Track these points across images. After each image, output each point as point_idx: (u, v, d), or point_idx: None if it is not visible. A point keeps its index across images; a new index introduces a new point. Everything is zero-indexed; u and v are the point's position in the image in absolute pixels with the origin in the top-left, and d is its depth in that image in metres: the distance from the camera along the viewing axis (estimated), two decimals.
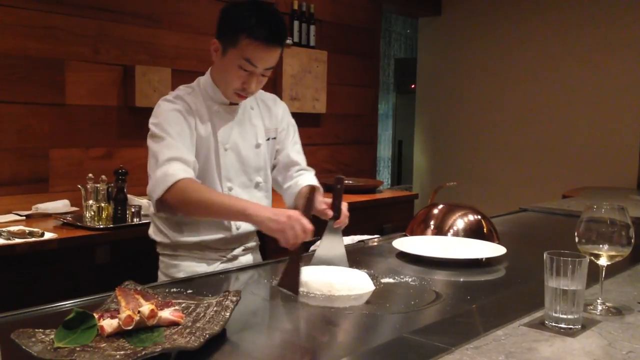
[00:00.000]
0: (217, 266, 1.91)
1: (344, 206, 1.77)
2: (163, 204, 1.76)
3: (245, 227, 1.94)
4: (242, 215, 1.66)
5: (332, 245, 1.73)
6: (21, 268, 2.36)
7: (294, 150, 2.09)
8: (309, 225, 1.56)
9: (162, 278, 1.94)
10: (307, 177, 2.05)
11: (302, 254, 1.61)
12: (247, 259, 2.00)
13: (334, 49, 4.52)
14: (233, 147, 1.92)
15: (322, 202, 1.79)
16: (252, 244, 2.03)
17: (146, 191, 1.81)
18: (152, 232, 1.97)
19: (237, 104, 1.94)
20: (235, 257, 1.97)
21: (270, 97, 2.09)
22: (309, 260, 1.71)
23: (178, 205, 1.75)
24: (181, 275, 1.87)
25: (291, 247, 1.56)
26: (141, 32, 3.30)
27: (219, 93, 1.90)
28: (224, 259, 1.94)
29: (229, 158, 1.91)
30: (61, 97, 3.02)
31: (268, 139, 2.02)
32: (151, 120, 1.85)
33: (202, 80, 1.94)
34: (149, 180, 1.79)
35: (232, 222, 1.91)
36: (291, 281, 1.50)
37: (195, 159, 1.83)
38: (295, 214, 1.58)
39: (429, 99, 5.89)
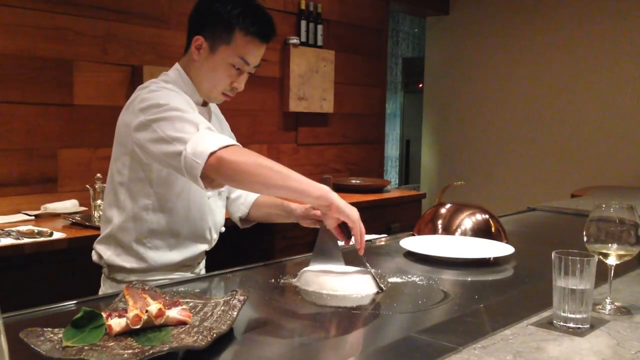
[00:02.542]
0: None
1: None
2: (208, 167, 1.45)
3: (214, 237, 1.88)
4: (319, 193, 1.47)
5: (327, 246, 1.65)
6: (30, 268, 2.37)
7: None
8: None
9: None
10: None
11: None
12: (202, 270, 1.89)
13: (342, 48, 4.52)
14: None
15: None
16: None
17: (182, 160, 1.48)
18: (112, 256, 1.75)
19: (206, 105, 1.84)
20: (200, 270, 1.88)
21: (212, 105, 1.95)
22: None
23: (228, 171, 1.45)
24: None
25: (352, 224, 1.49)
26: (149, 32, 3.31)
27: (195, 94, 1.78)
28: (194, 274, 1.83)
29: None
30: (69, 97, 3.04)
31: None
32: (151, 102, 1.60)
33: (173, 76, 1.77)
34: (186, 144, 1.48)
35: (213, 236, 1.84)
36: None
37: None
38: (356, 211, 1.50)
39: (436, 98, 5.87)
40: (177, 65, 1.82)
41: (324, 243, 1.65)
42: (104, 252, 1.79)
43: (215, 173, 1.46)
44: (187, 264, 1.81)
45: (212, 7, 1.73)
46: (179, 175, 1.58)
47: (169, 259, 1.75)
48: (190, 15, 1.80)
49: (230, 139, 1.52)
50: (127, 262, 1.74)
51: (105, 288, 1.82)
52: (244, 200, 2.00)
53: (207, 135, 1.49)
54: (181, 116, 1.54)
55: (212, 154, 1.45)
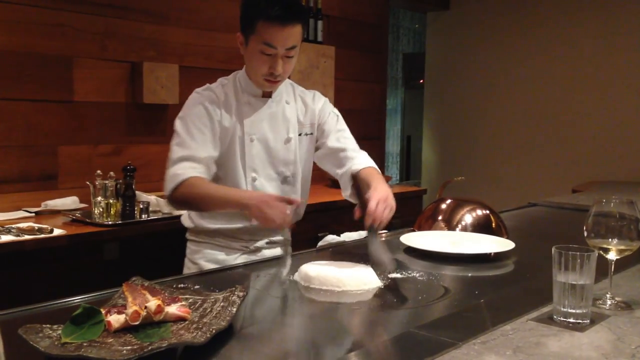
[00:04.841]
0: (238, 257, 1.96)
1: (373, 202, 1.66)
2: (173, 201, 1.86)
3: None
4: (239, 205, 1.75)
5: (374, 248, 1.61)
6: (30, 264, 2.37)
7: (339, 136, 2.06)
8: (282, 207, 1.67)
9: (187, 264, 2.03)
10: (360, 160, 1.98)
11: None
12: (273, 252, 2.00)
13: (342, 44, 4.51)
14: (261, 138, 1.95)
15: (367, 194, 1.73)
16: (278, 237, 2.02)
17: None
18: (183, 218, 2.07)
19: (270, 97, 1.98)
20: (258, 249, 2.00)
21: (310, 94, 2.13)
22: (319, 255, 1.70)
23: (185, 202, 1.87)
24: (203, 262, 1.97)
25: (277, 227, 1.73)
26: (148, 28, 3.30)
27: (251, 85, 1.96)
28: (247, 249, 1.98)
29: (255, 149, 1.94)
30: (69, 94, 3.03)
31: (301, 134, 2.03)
32: (179, 114, 1.94)
33: (239, 74, 2.01)
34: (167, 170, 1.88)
35: None
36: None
37: (218, 150, 1.90)
38: (268, 198, 1.70)
39: (437, 94, 5.86)
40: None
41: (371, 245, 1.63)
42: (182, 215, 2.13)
43: (178, 205, 1.95)
44: (227, 234, 1.98)
45: (242, 5, 1.93)
46: (231, 159, 1.93)
47: (206, 226, 1.98)
48: None
49: (190, 172, 1.80)
50: (186, 222, 2.04)
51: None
52: (344, 178, 1.99)
53: (168, 179, 1.83)
54: (175, 148, 1.87)
55: (169, 196, 1.85)
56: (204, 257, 1.98)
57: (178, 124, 1.91)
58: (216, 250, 1.98)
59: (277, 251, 2.00)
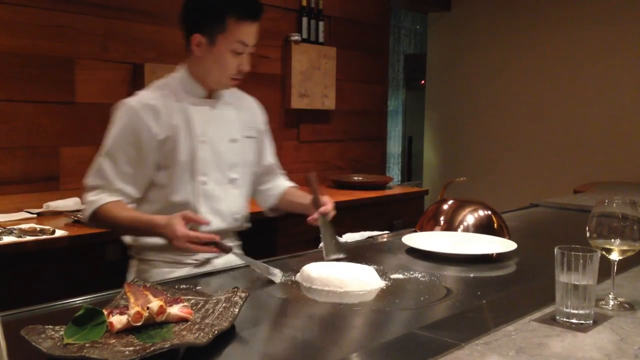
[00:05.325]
0: (190, 271, 1.82)
1: (324, 198, 1.90)
2: (93, 225, 1.92)
3: (217, 224, 1.89)
4: (152, 231, 1.74)
5: (327, 236, 1.81)
6: (32, 265, 2.37)
7: (271, 153, 2.17)
8: (181, 231, 1.64)
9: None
10: (284, 179, 2.19)
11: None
12: (223, 262, 1.88)
13: (343, 45, 4.51)
14: (209, 140, 1.90)
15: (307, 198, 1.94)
16: (227, 244, 1.94)
17: None
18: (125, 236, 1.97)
19: (212, 98, 1.94)
20: (207, 261, 1.90)
21: (247, 96, 2.10)
22: (320, 256, 1.70)
23: (103, 227, 1.93)
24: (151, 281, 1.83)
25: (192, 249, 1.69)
26: (150, 29, 3.31)
27: (196, 86, 1.90)
28: (197, 262, 1.88)
29: (204, 152, 1.88)
30: (71, 95, 3.04)
31: (246, 137, 2.01)
32: (112, 121, 1.87)
33: (176, 75, 1.93)
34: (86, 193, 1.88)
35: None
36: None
37: (146, 172, 1.85)
38: (173, 221, 1.66)
39: (438, 95, 5.86)
40: (180, 67, 1.95)
41: (323, 237, 1.81)
42: None
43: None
44: (177, 249, 1.80)
45: (200, 4, 1.85)
46: (182, 164, 1.85)
47: (155, 240, 1.84)
48: (181, 17, 1.91)
49: (106, 198, 1.80)
50: (128, 239, 1.95)
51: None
52: (273, 192, 2.14)
53: (85, 204, 1.86)
54: (98, 169, 1.84)
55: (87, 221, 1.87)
56: (152, 277, 1.81)
57: (105, 142, 1.84)
58: (165, 267, 1.87)
59: (229, 258, 1.86)
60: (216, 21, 1.80)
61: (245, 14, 1.80)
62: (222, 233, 1.90)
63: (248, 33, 1.82)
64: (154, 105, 1.83)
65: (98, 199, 1.81)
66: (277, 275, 1.56)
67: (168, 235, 1.68)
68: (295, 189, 2.16)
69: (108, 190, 1.82)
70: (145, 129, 1.81)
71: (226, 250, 1.69)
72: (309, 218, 1.88)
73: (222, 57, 1.83)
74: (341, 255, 1.74)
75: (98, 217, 1.82)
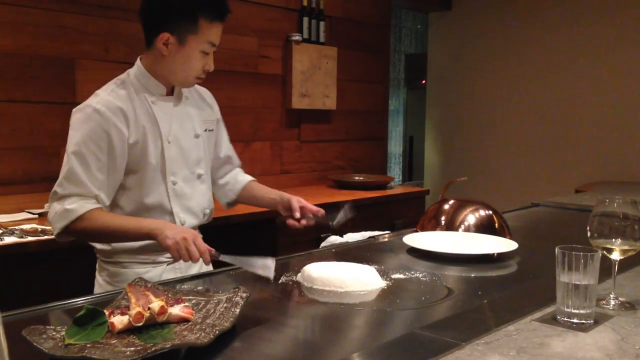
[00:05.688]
0: (165, 269, 1.86)
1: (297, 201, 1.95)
2: (66, 237, 1.76)
3: (190, 222, 1.90)
4: (146, 235, 1.68)
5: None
6: (34, 266, 2.37)
7: (228, 146, 2.14)
8: (203, 246, 1.62)
9: (104, 286, 1.89)
10: (243, 173, 2.17)
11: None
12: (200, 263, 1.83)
13: (344, 45, 4.51)
14: (174, 139, 1.87)
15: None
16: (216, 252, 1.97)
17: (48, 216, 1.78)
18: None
19: (172, 95, 1.91)
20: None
21: (203, 89, 2.07)
22: (321, 256, 1.70)
23: (83, 236, 1.77)
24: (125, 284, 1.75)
25: (187, 261, 1.64)
26: None
27: (156, 84, 1.86)
28: (172, 260, 1.84)
29: (172, 151, 1.86)
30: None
31: (206, 130, 2.00)
32: (69, 132, 1.76)
33: (133, 72, 1.88)
34: (49, 202, 1.77)
35: (176, 217, 1.87)
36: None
37: (118, 176, 1.78)
38: (192, 234, 1.63)
39: (439, 95, 5.86)
40: (138, 62, 1.89)
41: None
42: None
43: (70, 238, 1.78)
44: (152, 249, 1.83)
45: (170, 3, 1.80)
46: (151, 166, 1.81)
47: (129, 246, 1.82)
48: (144, 13, 1.84)
49: (87, 206, 1.70)
50: (97, 244, 1.89)
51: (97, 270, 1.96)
52: (232, 187, 2.13)
53: (57, 215, 1.73)
54: (69, 176, 1.73)
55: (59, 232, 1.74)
56: (128, 280, 1.68)
57: (71, 152, 1.73)
58: (140, 268, 1.84)
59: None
60: (188, 21, 1.78)
61: (217, 15, 1.80)
62: (194, 230, 1.91)
63: (217, 34, 1.82)
64: (122, 108, 1.78)
65: (78, 206, 1.70)
66: (270, 267, 1.56)
67: (182, 248, 1.62)
68: (256, 183, 2.15)
69: (86, 197, 1.72)
70: (117, 134, 1.75)
71: (216, 257, 1.65)
72: (290, 222, 1.93)
73: (190, 57, 1.81)
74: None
75: (78, 226, 1.70)
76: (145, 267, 1.86)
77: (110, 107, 1.76)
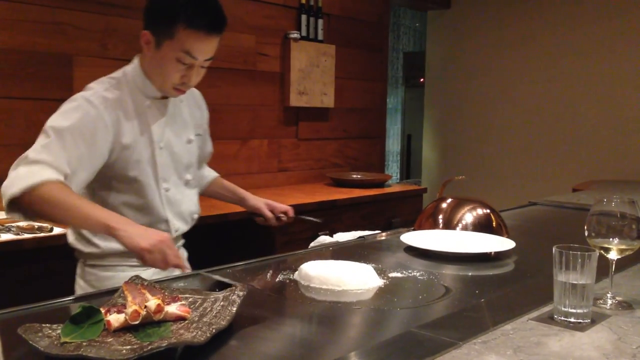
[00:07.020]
0: (155, 271, 1.74)
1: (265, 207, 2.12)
2: (17, 204, 1.55)
3: (182, 229, 1.90)
4: (104, 226, 1.49)
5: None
6: (30, 263, 2.37)
7: (210, 147, 2.14)
8: (176, 249, 1.53)
9: (85, 289, 1.79)
10: (209, 169, 2.21)
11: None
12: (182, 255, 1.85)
13: (342, 42, 4.51)
14: (167, 145, 1.81)
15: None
16: (179, 244, 1.96)
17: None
18: (73, 240, 1.82)
19: (167, 98, 1.82)
20: None
21: (197, 92, 2.00)
22: (319, 255, 1.70)
23: (34, 206, 1.53)
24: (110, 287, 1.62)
25: (160, 268, 1.52)
26: None
27: (150, 86, 1.76)
28: None
29: (163, 157, 1.81)
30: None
31: (197, 135, 1.96)
32: (55, 114, 1.66)
33: (129, 71, 1.79)
34: (13, 167, 1.61)
35: (171, 224, 1.84)
36: None
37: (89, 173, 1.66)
38: (167, 237, 1.51)
39: (438, 93, 5.86)
40: (135, 61, 1.82)
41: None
42: (69, 236, 1.87)
43: (19, 211, 1.56)
44: None
45: (156, 2, 1.72)
46: (143, 172, 1.77)
47: (117, 246, 1.63)
48: (144, 8, 1.77)
49: (53, 176, 1.54)
50: (83, 246, 1.80)
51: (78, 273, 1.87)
52: (199, 182, 2.13)
53: (16, 177, 1.55)
54: (46, 145, 1.59)
55: (15, 197, 1.53)
56: (117, 283, 1.51)
57: (53, 130, 1.61)
58: (128, 271, 1.73)
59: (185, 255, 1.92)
60: (167, 24, 1.66)
61: (198, 24, 1.63)
62: (177, 238, 1.92)
63: (196, 45, 1.66)
64: (117, 111, 1.71)
65: (46, 173, 1.53)
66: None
67: (157, 251, 1.49)
68: (221, 179, 2.22)
69: (57, 170, 1.56)
70: (103, 132, 1.67)
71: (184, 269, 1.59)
72: (259, 219, 2.09)
73: (164, 63, 1.69)
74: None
75: (36, 194, 1.51)
76: (136, 270, 1.74)
77: (104, 104, 1.69)
